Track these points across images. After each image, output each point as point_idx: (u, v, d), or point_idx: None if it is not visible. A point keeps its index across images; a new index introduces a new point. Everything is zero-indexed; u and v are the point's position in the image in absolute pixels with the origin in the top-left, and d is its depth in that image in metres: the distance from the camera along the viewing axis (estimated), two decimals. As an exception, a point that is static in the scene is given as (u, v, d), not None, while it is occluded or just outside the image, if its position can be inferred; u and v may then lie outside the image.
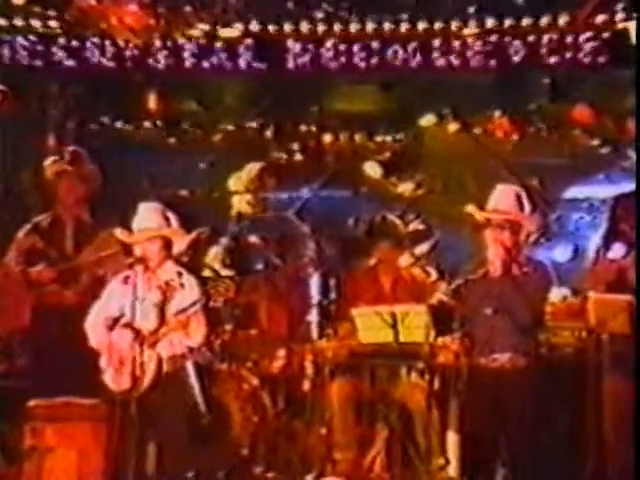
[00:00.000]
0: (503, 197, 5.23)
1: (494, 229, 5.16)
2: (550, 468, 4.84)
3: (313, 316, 6.42)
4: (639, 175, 5.42)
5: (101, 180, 6.32)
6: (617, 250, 5.28)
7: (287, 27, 7.13)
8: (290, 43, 7.24)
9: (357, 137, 7.72)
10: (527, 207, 5.21)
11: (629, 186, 5.91)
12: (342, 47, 7.22)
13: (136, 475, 5.33)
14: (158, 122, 7.75)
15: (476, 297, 5.11)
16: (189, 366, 5.75)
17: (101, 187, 6.35)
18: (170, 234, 5.47)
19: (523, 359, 4.95)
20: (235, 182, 7.60)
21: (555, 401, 4.94)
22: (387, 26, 7.05)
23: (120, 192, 7.15)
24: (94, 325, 5.42)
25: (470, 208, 5.30)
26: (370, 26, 7.08)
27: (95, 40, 7.23)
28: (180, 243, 5.51)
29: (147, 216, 5.48)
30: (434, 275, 6.70)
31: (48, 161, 6.31)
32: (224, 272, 7.18)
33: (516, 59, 7.02)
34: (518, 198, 5.22)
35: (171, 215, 5.52)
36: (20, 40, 7.30)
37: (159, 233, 5.42)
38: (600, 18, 6.78)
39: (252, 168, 7.56)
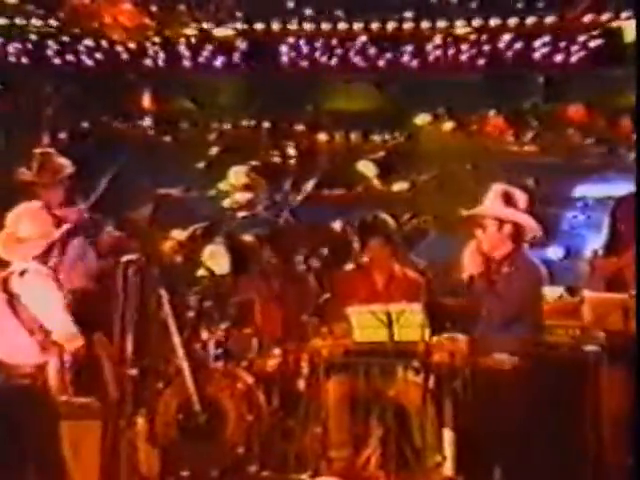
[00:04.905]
0: (491, 197, 5.23)
1: (478, 230, 5.18)
2: (547, 467, 4.83)
3: (308, 315, 6.40)
4: (639, 175, 5.44)
5: (71, 169, 6.19)
6: (616, 250, 5.32)
7: (281, 26, 7.12)
8: (285, 42, 7.24)
9: (352, 136, 7.73)
10: (521, 204, 5.19)
11: (627, 187, 5.94)
12: (337, 46, 7.22)
13: (131, 473, 5.32)
14: (152, 121, 7.75)
15: (472, 296, 5.11)
16: (184, 364, 5.76)
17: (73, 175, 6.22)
18: None
19: (518, 358, 4.94)
20: (226, 184, 7.59)
21: (551, 400, 4.92)
22: (382, 25, 7.04)
23: (114, 190, 7.15)
24: None
25: (466, 212, 5.28)
26: (365, 25, 7.07)
27: (89, 39, 7.22)
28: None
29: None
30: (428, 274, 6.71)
31: (19, 172, 6.23)
32: (219, 271, 7.15)
33: (510, 58, 7.03)
34: (507, 196, 5.20)
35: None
36: (13, 39, 7.28)
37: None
38: (594, 17, 6.78)
39: (238, 171, 7.54)
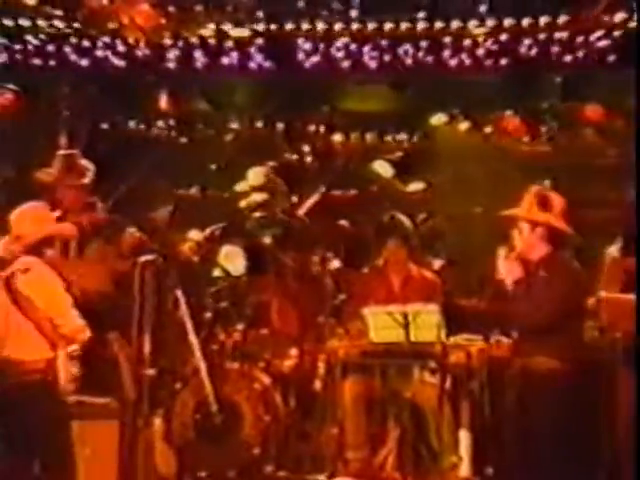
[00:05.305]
0: (527, 199, 5.13)
1: (514, 231, 5.08)
2: (566, 466, 4.80)
3: (324, 316, 6.41)
4: (639, 175, 5.40)
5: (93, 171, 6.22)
6: (632, 251, 5.27)
7: (298, 26, 7.12)
8: (301, 42, 7.24)
9: (368, 136, 7.72)
10: (556, 209, 5.03)
11: None
12: (353, 46, 7.21)
13: (148, 473, 5.35)
14: (169, 122, 7.78)
15: (509, 299, 5.02)
16: (201, 365, 5.78)
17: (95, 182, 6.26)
18: None
19: (555, 361, 4.80)
20: (243, 185, 7.61)
21: (575, 401, 4.86)
22: (397, 25, 7.03)
23: (132, 191, 7.19)
24: None
25: (508, 212, 5.16)
26: (380, 25, 7.06)
27: (106, 40, 7.25)
28: None
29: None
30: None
31: (39, 172, 6.24)
32: (234, 271, 7.17)
33: (527, 58, 7.00)
34: (542, 199, 5.10)
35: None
36: (32, 40, 7.32)
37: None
38: (611, 17, 6.75)
39: (257, 171, 7.55)
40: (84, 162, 6.19)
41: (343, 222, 7.35)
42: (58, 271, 4.82)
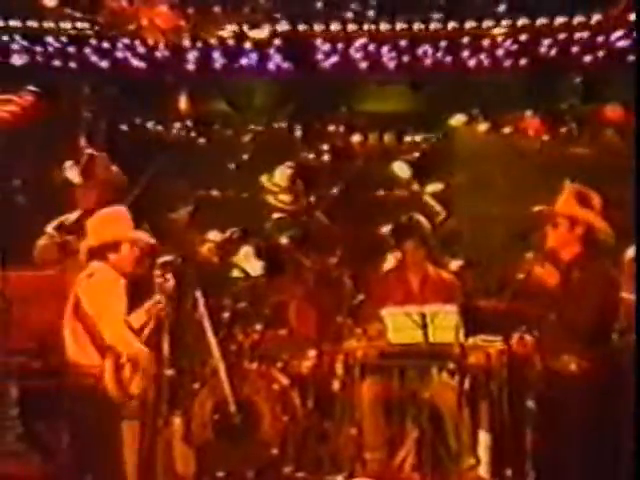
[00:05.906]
0: (565, 196, 4.99)
1: (547, 226, 4.99)
2: (587, 468, 4.77)
3: (342, 316, 6.42)
4: (639, 175, 5.34)
5: (124, 181, 6.29)
6: None
7: (316, 27, 7.12)
8: (319, 43, 7.24)
9: (386, 137, 7.72)
10: (596, 207, 4.95)
11: None
12: (371, 47, 7.21)
13: (167, 473, 5.37)
14: (188, 123, 7.81)
15: (535, 300, 4.97)
16: (220, 365, 5.80)
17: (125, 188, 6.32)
18: None
19: (579, 362, 4.77)
20: (266, 183, 7.63)
21: (598, 402, 4.82)
22: (416, 26, 7.01)
23: (150, 193, 7.22)
24: None
25: (538, 208, 5.09)
26: (399, 25, 7.05)
27: (126, 41, 7.28)
28: None
29: None
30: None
31: (66, 165, 6.28)
32: (253, 272, 7.19)
33: (547, 58, 6.98)
34: (581, 197, 4.97)
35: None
36: (52, 42, 7.36)
37: None
38: (632, 16, 6.71)
39: (284, 172, 7.57)
40: (107, 163, 6.24)
41: (361, 223, 7.36)
42: None
